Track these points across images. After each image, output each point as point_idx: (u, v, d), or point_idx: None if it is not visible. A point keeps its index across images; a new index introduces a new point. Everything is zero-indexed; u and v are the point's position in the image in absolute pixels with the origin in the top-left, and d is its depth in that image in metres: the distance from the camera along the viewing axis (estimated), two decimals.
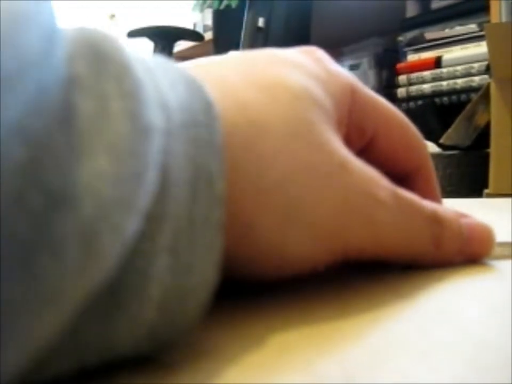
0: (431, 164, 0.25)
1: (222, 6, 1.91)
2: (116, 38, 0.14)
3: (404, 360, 0.11)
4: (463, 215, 0.23)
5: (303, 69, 0.19)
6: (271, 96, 0.18)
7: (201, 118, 0.15)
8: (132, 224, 0.12)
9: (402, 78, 1.58)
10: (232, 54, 0.20)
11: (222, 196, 0.14)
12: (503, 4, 1.19)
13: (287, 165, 0.17)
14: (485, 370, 0.11)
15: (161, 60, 0.16)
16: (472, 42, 1.42)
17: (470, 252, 0.22)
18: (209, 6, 2.19)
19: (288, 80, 0.18)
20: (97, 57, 0.13)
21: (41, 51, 0.11)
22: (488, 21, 1.25)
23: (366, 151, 0.22)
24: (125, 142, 0.12)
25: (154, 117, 0.13)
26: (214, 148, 0.15)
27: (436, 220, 0.21)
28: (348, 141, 0.20)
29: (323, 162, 0.17)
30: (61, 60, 0.12)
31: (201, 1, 2.25)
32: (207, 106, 0.15)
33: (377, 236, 0.18)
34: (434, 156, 1.49)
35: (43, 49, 0.11)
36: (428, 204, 0.21)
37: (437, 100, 1.51)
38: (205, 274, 0.14)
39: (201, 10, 2.43)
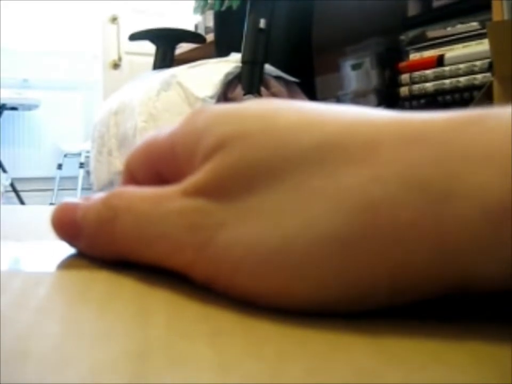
0: None
1: (223, 8, 1.91)
2: None
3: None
4: None
5: None
6: None
7: None
8: None
9: (404, 77, 1.58)
10: None
11: None
12: (505, 1, 1.19)
13: None
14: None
15: None
16: (474, 40, 1.42)
17: None
18: (210, 8, 2.19)
19: None
20: None
21: None
22: (490, 19, 1.25)
23: None
24: None
25: None
26: None
27: None
28: None
29: None
30: None
31: (202, 3, 2.26)
32: None
33: None
34: None
35: None
36: None
37: (439, 98, 1.51)
38: None
39: (202, 12, 2.43)
